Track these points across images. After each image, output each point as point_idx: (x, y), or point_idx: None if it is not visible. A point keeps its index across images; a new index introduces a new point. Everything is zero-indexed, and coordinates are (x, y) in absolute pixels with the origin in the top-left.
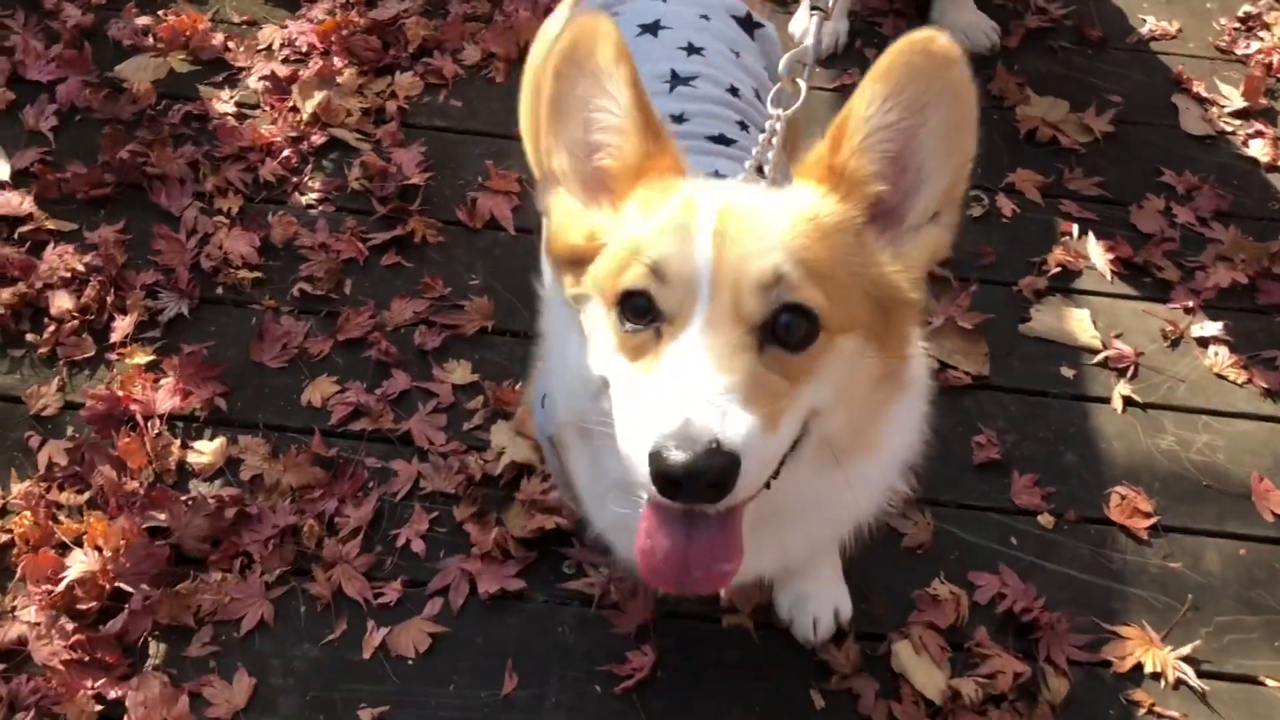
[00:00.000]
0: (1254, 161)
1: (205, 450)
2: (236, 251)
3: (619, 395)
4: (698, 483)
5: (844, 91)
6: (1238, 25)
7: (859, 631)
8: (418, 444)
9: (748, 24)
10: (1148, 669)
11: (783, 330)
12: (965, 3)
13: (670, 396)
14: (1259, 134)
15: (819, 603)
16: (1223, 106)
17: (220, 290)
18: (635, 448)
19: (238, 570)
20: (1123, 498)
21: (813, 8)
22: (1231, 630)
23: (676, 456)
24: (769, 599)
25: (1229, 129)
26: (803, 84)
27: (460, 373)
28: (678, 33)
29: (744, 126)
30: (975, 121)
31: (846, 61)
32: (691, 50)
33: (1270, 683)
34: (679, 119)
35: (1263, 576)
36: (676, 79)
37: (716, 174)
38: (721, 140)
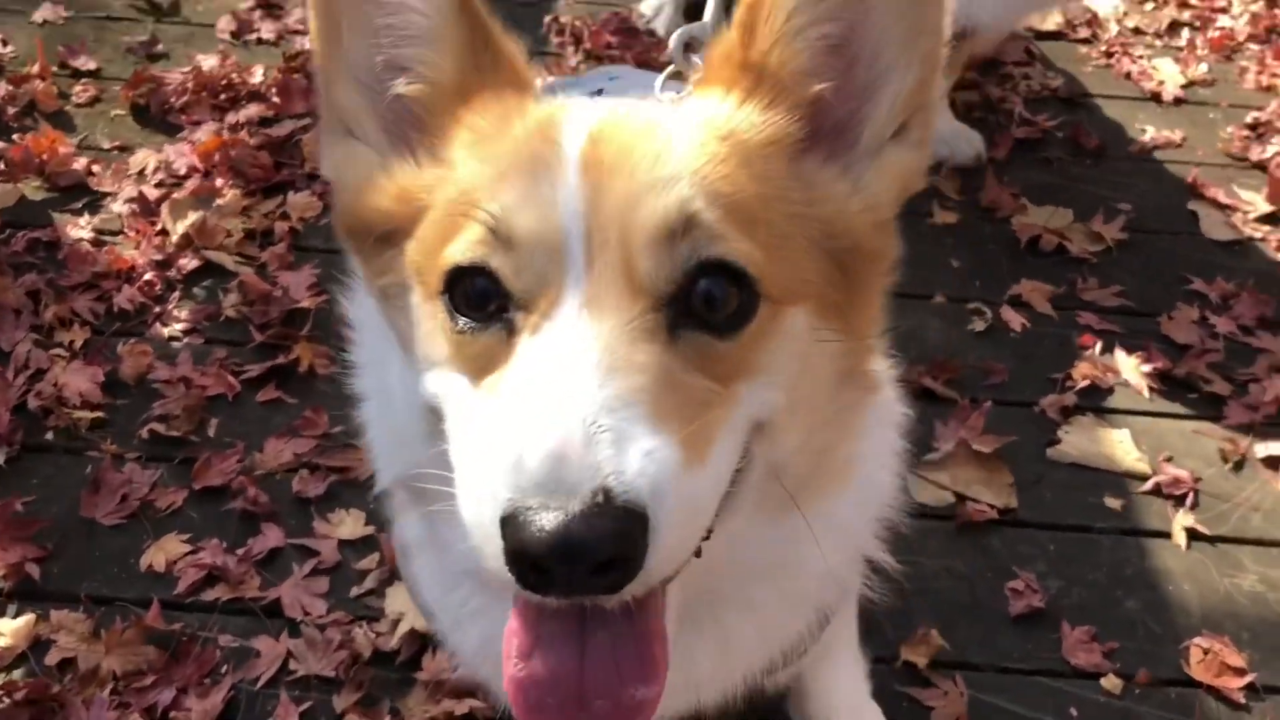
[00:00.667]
0: None
1: (5, 630)
2: (74, 388)
3: (457, 431)
4: (582, 563)
5: None
6: (1248, 132)
7: None
8: (289, 615)
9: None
10: None
11: (703, 303)
12: (943, 110)
13: (532, 423)
14: None
15: None
16: (1247, 212)
17: (50, 435)
18: (480, 512)
19: None
20: (1205, 651)
21: None
22: None
23: (543, 522)
24: None
25: (1258, 234)
26: (695, 60)
27: (350, 525)
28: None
29: None
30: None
31: None
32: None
33: None
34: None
35: None
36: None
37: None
38: None
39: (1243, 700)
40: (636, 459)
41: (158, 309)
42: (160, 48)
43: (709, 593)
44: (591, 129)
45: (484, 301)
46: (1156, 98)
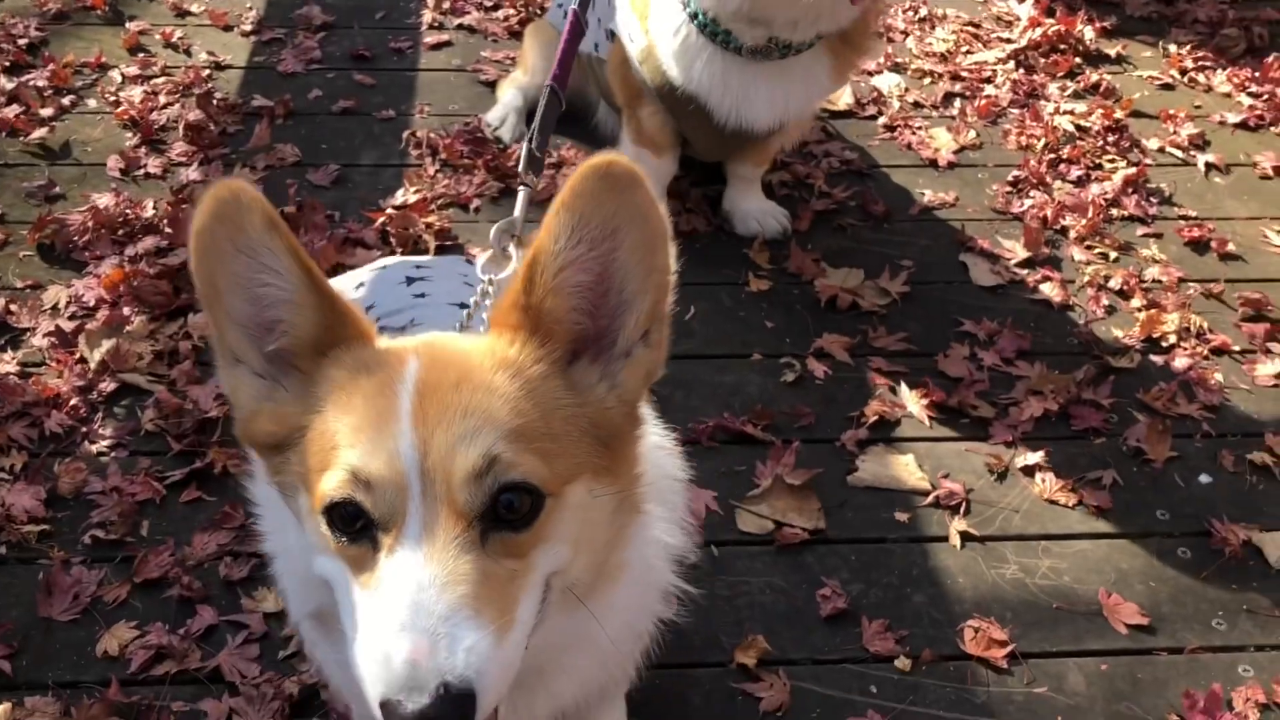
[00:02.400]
0: (1047, 303)
1: None
2: (20, 506)
3: (347, 609)
4: None
5: None
6: (1009, 188)
7: None
8: (228, 679)
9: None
10: None
11: (505, 511)
12: (754, 192)
13: (389, 630)
14: (1046, 279)
15: None
16: (1008, 259)
17: (2, 549)
18: (368, 687)
19: None
20: (976, 630)
21: (520, 184)
22: None
23: (408, 709)
24: None
25: (1018, 277)
26: (513, 250)
27: (271, 600)
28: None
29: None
30: (668, 237)
31: None
32: (420, 267)
33: None
34: (420, 296)
35: (1126, 689)
36: (410, 280)
37: (412, 323)
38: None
39: (1006, 666)
40: (463, 655)
41: (85, 429)
42: (58, 189)
43: (535, 672)
44: (416, 387)
45: (354, 521)
46: (934, 163)
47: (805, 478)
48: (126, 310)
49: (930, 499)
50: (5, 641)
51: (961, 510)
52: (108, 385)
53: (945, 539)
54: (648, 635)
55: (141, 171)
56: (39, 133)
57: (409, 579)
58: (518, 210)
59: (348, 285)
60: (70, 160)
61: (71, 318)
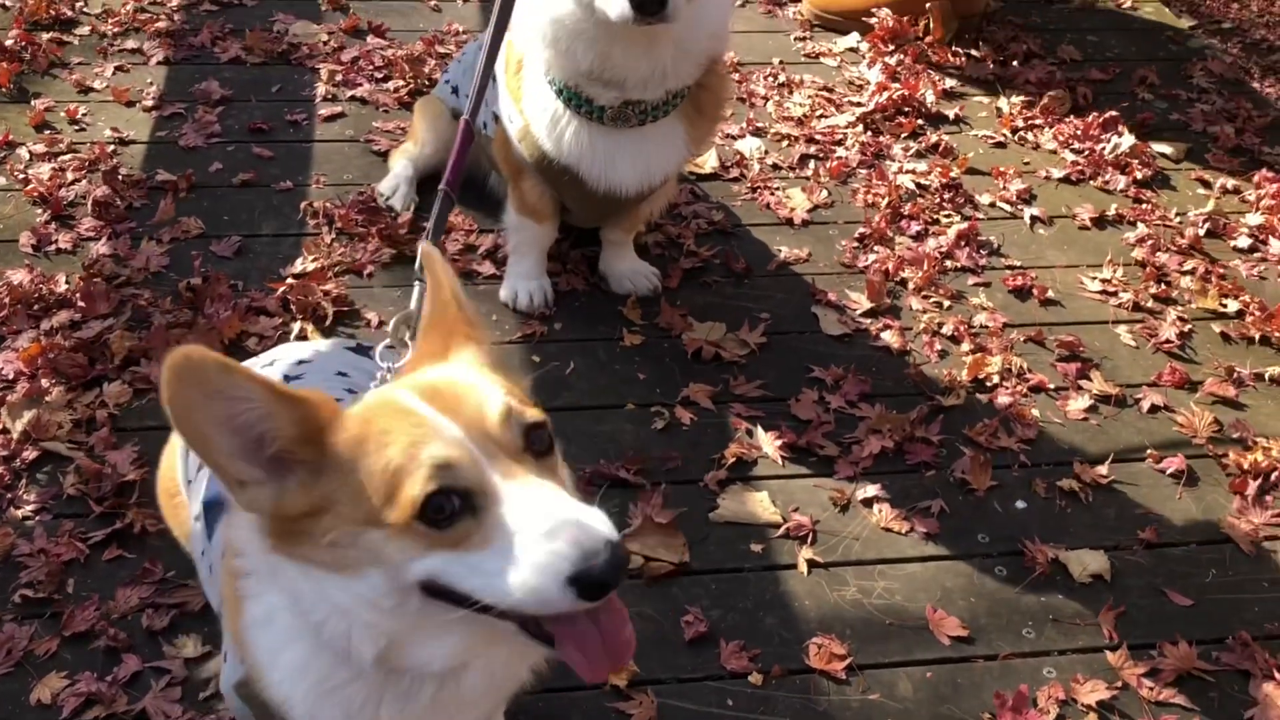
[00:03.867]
0: (887, 349)
1: None
2: None
3: (464, 576)
4: (622, 573)
5: (530, 340)
6: (856, 244)
7: None
8: None
9: (359, 349)
10: None
11: (536, 445)
12: (627, 254)
13: (544, 531)
14: (887, 327)
15: None
16: (853, 310)
17: None
18: (544, 586)
19: None
20: (819, 647)
21: (415, 279)
22: None
23: (602, 563)
24: None
25: (863, 326)
26: (408, 340)
27: (190, 646)
28: (290, 357)
29: (352, 391)
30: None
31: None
32: (301, 363)
33: None
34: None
35: (949, 693)
36: (287, 379)
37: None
38: (341, 374)
39: (844, 677)
40: (604, 521)
41: (9, 495)
42: None
43: None
44: (421, 395)
45: (443, 509)
46: (790, 221)
47: (671, 517)
48: (45, 382)
49: (782, 531)
50: None
51: (809, 540)
52: (30, 453)
53: (794, 566)
54: None
55: (53, 247)
56: None
57: (527, 503)
58: (413, 304)
59: None
60: None
61: None
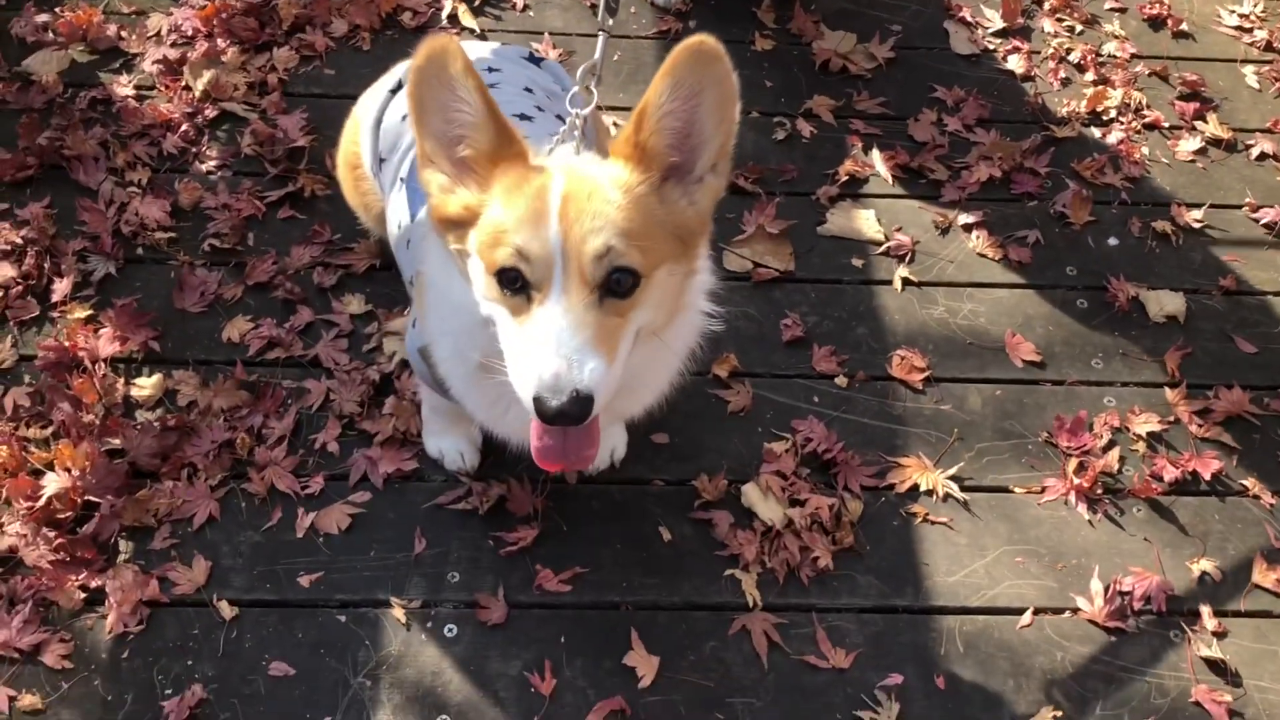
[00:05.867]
0: (1011, 74)
1: (146, 385)
2: (151, 216)
3: (505, 336)
4: (567, 419)
5: (665, 37)
6: None
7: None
8: (325, 365)
9: (533, 60)
10: (923, 487)
11: (615, 285)
12: None
13: (541, 353)
14: (1015, 49)
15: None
16: (986, 28)
17: (140, 250)
18: (522, 389)
19: (185, 478)
20: (902, 358)
21: (599, 30)
22: (989, 454)
23: (551, 404)
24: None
25: (992, 47)
26: (593, 90)
27: (355, 304)
28: (482, 64)
29: (540, 109)
30: (736, 98)
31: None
32: (491, 70)
33: (1017, 490)
34: None
35: (1014, 410)
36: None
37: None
38: (524, 118)
39: (921, 387)
40: (588, 374)
41: (194, 150)
42: None
43: (625, 383)
44: (561, 196)
45: (514, 282)
46: None
47: (782, 227)
48: (221, 43)
49: (883, 249)
50: (152, 326)
51: (907, 259)
52: (211, 112)
53: (890, 282)
54: (694, 348)
55: None
56: None
57: (553, 321)
58: (598, 53)
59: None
60: None
61: (174, 45)
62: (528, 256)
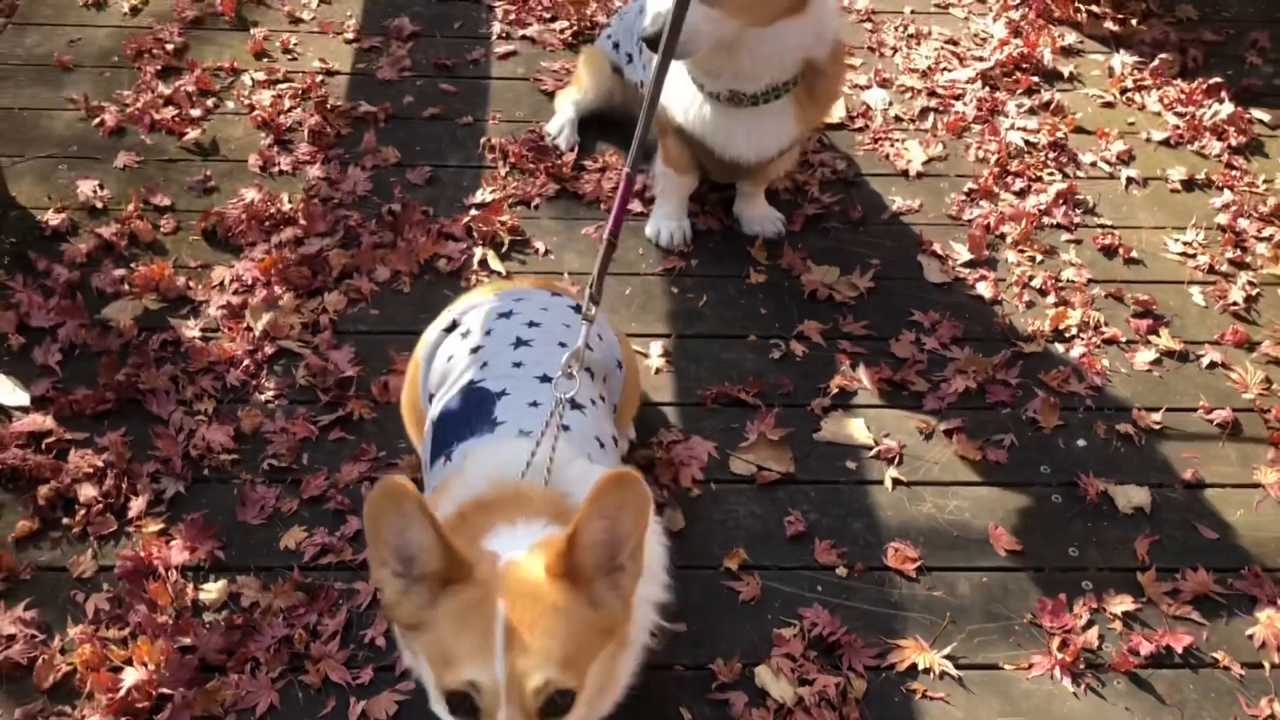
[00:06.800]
0: (981, 298)
1: (212, 589)
2: (216, 441)
3: None
4: None
5: (671, 274)
6: (964, 198)
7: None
8: None
9: (578, 310)
10: (921, 666)
11: (554, 707)
12: (758, 202)
13: None
14: (983, 278)
15: None
16: (955, 260)
17: (207, 471)
18: None
19: (249, 671)
20: (896, 550)
21: (584, 318)
22: (979, 635)
23: None
24: None
25: (962, 276)
26: (576, 374)
27: None
28: (524, 315)
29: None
30: (650, 503)
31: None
32: (532, 325)
33: (1007, 666)
34: (518, 365)
35: (1000, 594)
36: (519, 341)
37: (534, 404)
38: (545, 379)
39: (915, 575)
40: None
41: (254, 382)
42: (212, 183)
43: None
44: (506, 625)
45: (464, 701)
46: (905, 173)
47: (782, 434)
48: (277, 289)
49: (873, 452)
50: (217, 537)
51: (896, 461)
52: (269, 349)
53: (881, 482)
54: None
55: (276, 168)
56: (193, 133)
57: None
58: (580, 341)
59: (468, 309)
60: (219, 157)
61: (235, 293)
62: (477, 687)
